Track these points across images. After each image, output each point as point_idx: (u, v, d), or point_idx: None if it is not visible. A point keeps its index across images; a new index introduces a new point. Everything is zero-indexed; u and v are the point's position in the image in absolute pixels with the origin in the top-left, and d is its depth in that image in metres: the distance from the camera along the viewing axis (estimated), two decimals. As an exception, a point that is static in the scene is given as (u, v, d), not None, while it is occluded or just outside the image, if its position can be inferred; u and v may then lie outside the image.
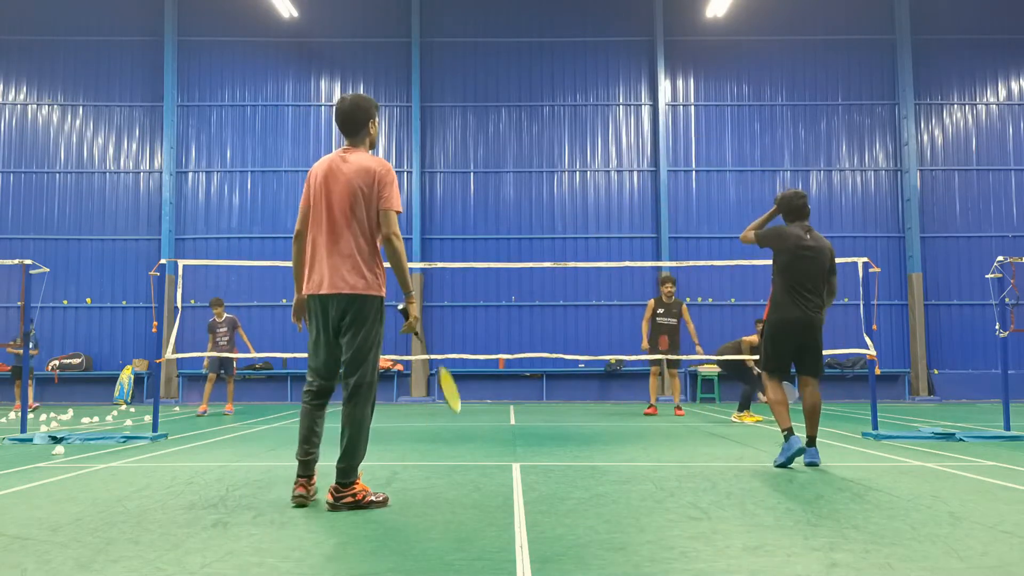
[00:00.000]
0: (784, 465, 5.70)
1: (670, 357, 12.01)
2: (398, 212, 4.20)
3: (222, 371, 12.91)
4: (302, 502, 4.13)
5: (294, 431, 9.36)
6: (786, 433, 5.80)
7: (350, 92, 4.33)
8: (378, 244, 4.24)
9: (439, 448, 7.20)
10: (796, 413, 6.54)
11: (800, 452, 5.69)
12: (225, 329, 12.85)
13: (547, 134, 18.17)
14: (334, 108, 4.36)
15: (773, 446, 7.33)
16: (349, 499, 4.09)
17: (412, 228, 17.70)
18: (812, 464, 5.72)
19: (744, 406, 11.18)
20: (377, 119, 4.41)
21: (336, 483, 4.12)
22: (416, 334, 4.37)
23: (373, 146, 4.39)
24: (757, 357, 10.84)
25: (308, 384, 4.32)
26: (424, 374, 17.46)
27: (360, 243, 4.15)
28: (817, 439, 5.93)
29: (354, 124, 4.30)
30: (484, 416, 12.13)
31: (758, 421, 10.67)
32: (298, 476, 4.21)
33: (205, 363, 13.51)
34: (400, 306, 4.26)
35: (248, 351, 13.00)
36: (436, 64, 18.29)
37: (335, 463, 4.14)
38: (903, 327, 17.65)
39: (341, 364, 4.23)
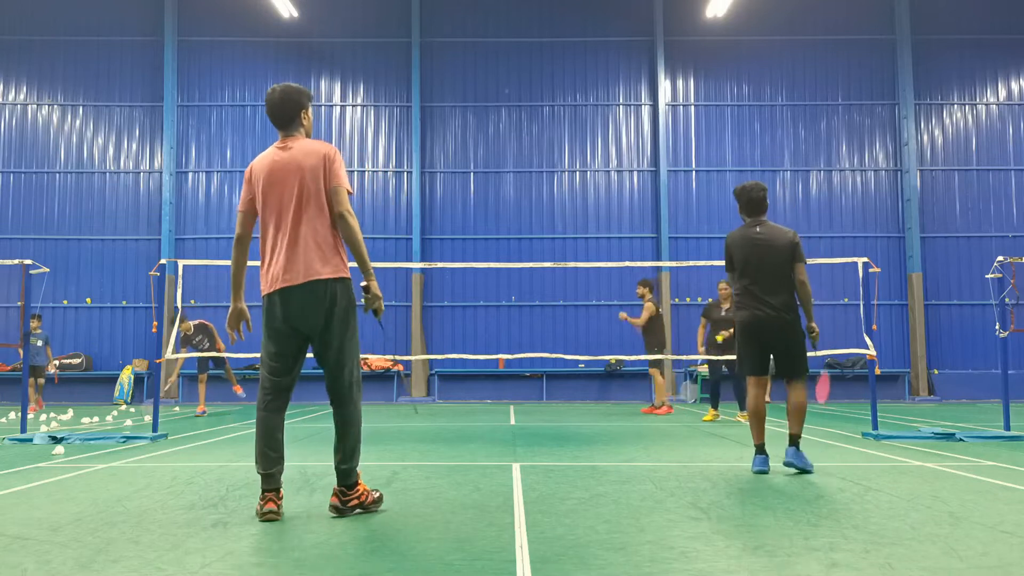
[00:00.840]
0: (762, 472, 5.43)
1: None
2: (349, 192, 4.08)
3: (211, 369, 12.85)
4: (273, 517, 3.83)
5: (294, 431, 9.32)
6: (756, 448, 5.55)
7: (279, 86, 4.00)
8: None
9: (439, 448, 7.20)
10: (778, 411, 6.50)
11: (761, 472, 5.39)
12: (201, 336, 12.67)
13: (547, 134, 18.17)
14: (265, 101, 4.25)
15: (774, 446, 7.33)
16: (355, 502, 3.99)
17: (412, 228, 17.71)
18: (791, 465, 5.39)
19: (744, 405, 11.18)
20: (310, 110, 4.26)
21: (340, 487, 3.99)
22: (376, 312, 4.14)
23: (308, 136, 4.23)
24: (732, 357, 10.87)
25: (265, 389, 4.04)
26: (424, 374, 17.44)
27: (321, 229, 3.98)
28: (802, 439, 5.60)
29: (285, 115, 4.17)
30: (484, 416, 12.13)
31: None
32: (265, 491, 3.89)
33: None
34: (362, 283, 4.09)
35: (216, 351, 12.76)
36: (436, 64, 18.30)
37: (334, 467, 4.02)
38: (903, 327, 17.65)
39: (296, 364, 4.08)
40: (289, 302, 3.95)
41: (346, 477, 3.99)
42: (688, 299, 17.62)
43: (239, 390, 12.96)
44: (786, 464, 5.42)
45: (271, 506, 3.84)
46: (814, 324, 5.67)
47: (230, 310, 4.19)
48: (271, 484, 3.90)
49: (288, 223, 3.98)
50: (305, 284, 3.92)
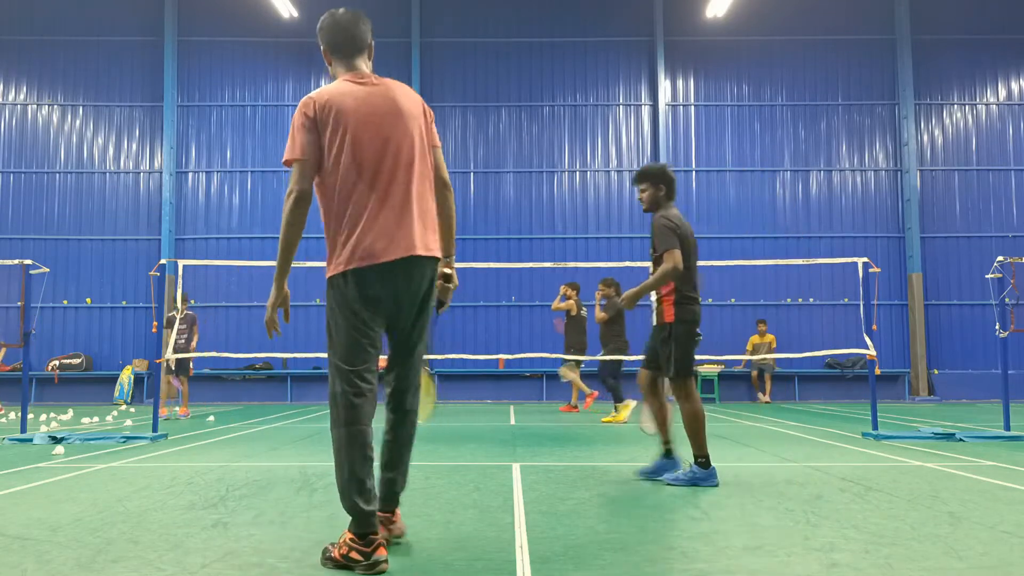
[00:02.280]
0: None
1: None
2: None
3: (177, 370, 12.00)
4: (385, 568, 2.94)
5: (294, 431, 9.29)
6: (704, 460, 4.92)
7: (340, 9, 3.41)
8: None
9: (439, 448, 7.20)
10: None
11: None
12: (185, 326, 11.84)
13: (547, 134, 18.17)
14: (324, 25, 3.40)
15: (774, 445, 7.34)
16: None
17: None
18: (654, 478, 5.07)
19: (619, 399, 10.94)
20: None
21: (386, 511, 3.28)
22: (442, 304, 3.53)
23: None
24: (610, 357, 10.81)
25: (357, 391, 3.06)
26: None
27: (429, 193, 3.23)
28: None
29: (360, 39, 3.32)
30: (484, 416, 12.13)
31: (622, 421, 10.41)
32: (369, 534, 2.95)
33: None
34: (447, 269, 3.43)
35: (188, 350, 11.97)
36: (436, 64, 18.29)
37: (392, 488, 3.33)
38: (903, 327, 17.65)
39: (396, 354, 3.28)
40: (390, 281, 3.08)
41: (396, 501, 3.34)
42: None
43: (184, 413, 12.05)
44: (650, 477, 5.10)
45: (383, 552, 2.93)
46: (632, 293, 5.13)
47: (273, 295, 3.23)
48: (388, 506, 3.19)
49: (397, 180, 3.11)
50: (418, 259, 3.11)
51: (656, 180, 5.22)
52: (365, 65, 3.29)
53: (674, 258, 4.93)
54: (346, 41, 3.30)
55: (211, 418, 11.52)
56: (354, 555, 2.91)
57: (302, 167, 3.09)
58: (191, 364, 12.45)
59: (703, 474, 4.87)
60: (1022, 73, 18.25)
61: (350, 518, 2.98)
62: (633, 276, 17.47)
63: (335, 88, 3.17)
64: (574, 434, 8.73)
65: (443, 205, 3.34)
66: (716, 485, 4.84)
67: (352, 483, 2.97)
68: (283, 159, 3.14)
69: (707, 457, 4.92)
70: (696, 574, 2.84)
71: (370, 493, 2.98)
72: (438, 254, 3.21)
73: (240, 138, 18.13)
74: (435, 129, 3.33)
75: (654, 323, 5.22)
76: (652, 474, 5.14)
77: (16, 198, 17.96)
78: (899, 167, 17.99)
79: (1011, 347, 8.75)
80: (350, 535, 2.96)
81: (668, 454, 5.17)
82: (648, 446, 7.46)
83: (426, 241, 3.14)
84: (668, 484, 4.91)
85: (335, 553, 2.98)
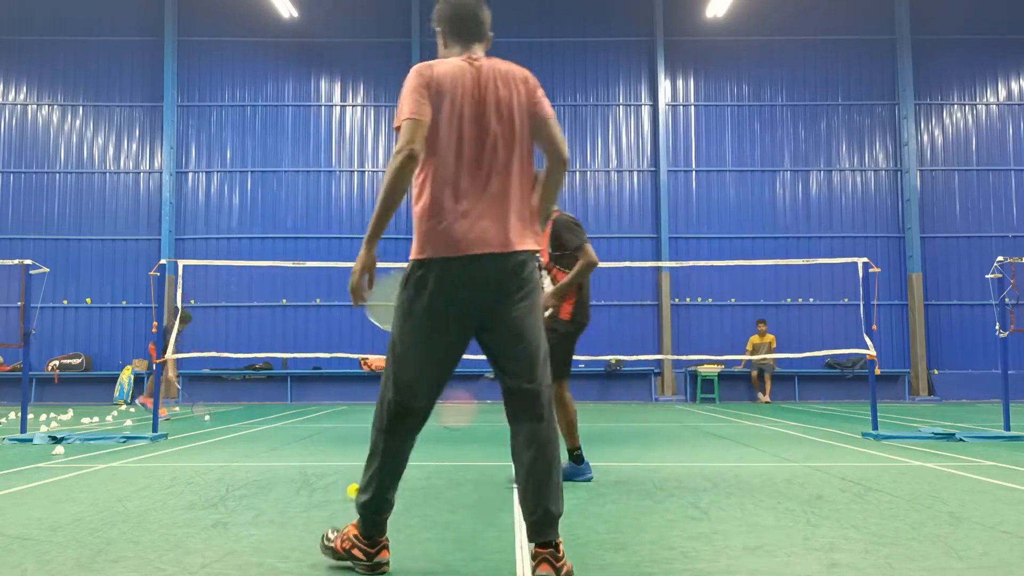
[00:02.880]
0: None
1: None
2: None
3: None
4: (387, 569, 2.91)
5: (294, 431, 9.27)
6: (579, 453, 5.08)
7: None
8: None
9: (439, 448, 7.20)
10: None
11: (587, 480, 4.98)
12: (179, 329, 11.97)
13: (547, 134, 18.15)
14: (448, 5, 3.12)
15: (774, 445, 7.34)
16: (568, 567, 2.75)
17: (412, 228, 17.66)
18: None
19: None
20: None
21: (549, 542, 2.74)
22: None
23: None
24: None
25: (402, 405, 2.93)
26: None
27: (526, 181, 2.98)
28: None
29: (482, 25, 3.11)
30: (484, 416, 12.12)
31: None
32: (375, 538, 2.90)
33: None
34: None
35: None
36: (436, 64, 18.27)
37: (540, 516, 2.76)
38: (903, 327, 17.66)
39: (449, 373, 3.04)
40: (466, 279, 2.84)
41: (555, 526, 2.78)
42: (688, 299, 17.62)
43: (144, 402, 11.96)
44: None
45: (386, 555, 2.91)
46: None
47: (361, 258, 2.93)
48: (382, 531, 2.92)
49: (488, 165, 2.89)
50: (504, 256, 2.85)
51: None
52: (480, 51, 3.10)
53: (590, 252, 4.97)
54: (469, 25, 3.09)
55: (207, 417, 11.50)
56: (356, 552, 2.86)
57: (416, 126, 2.82)
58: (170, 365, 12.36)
59: (575, 469, 4.98)
60: (1022, 73, 18.25)
61: (359, 516, 2.92)
62: (633, 276, 17.51)
63: (449, 63, 2.98)
64: (574, 434, 8.71)
65: (558, 182, 3.11)
66: (590, 479, 4.99)
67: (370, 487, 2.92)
68: (394, 124, 2.93)
69: (580, 450, 5.04)
70: (696, 574, 2.84)
71: (388, 503, 2.91)
72: (531, 247, 2.92)
73: (240, 138, 18.13)
74: (545, 101, 3.09)
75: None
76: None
77: (16, 198, 17.97)
78: (899, 167, 18.00)
79: (1011, 347, 8.74)
80: (355, 532, 2.90)
81: (579, 459, 5.11)
82: (648, 446, 7.46)
83: (519, 234, 2.89)
84: None
85: (336, 544, 2.92)
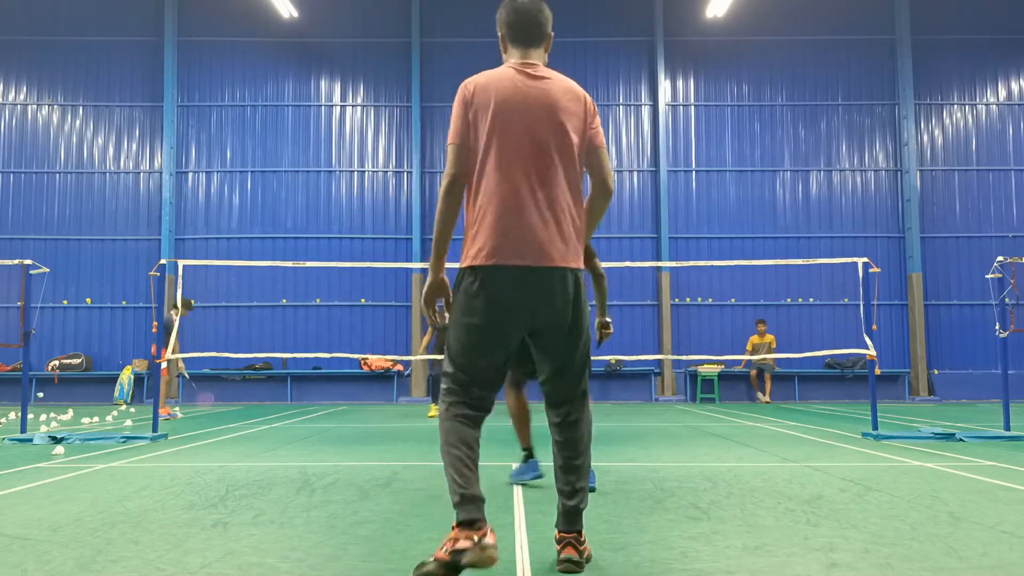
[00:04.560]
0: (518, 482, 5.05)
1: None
2: None
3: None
4: (493, 556, 2.70)
5: (294, 431, 9.27)
6: (527, 452, 5.13)
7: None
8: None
9: (439, 448, 7.19)
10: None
11: (538, 478, 5.04)
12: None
13: (547, 134, 18.15)
14: (507, 9, 3.10)
15: (774, 445, 7.34)
16: (588, 551, 3.00)
17: (412, 228, 17.71)
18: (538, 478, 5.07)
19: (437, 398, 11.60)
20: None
21: (571, 532, 2.94)
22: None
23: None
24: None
25: (463, 394, 2.96)
26: (424, 374, 17.42)
27: (572, 197, 2.98)
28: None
29: (540, 28, 3.10)
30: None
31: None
32: (463, 524, 2.73)
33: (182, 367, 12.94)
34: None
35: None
36: (436, 64, 18.30)
37: (571, 508, 2.97)
38: (903, 327, 17.66)
39: (507, 370, 3.10)
40: (520, 286, 2.88)
41: (579, 518, 2.98)
42: (688, 299, 17.63)
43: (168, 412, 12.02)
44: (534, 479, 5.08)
45: (492, 538, 2.72)
46: None
47: (429, 282, 3.01)
48: (477, 514, 2.76)
49: (534, 178, 2.91)
50: (550, 270, 2.88)
51: None
52: (539, 57, 3.10)
53: (598, 266, 5.13)
54: (524, 29, 3.08)
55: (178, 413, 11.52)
56: (462, 543, 2.66)
57: (456, 151, 2.93)
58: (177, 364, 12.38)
59: (523, 467, 5.07)
60: (1022, 73, 18.25)
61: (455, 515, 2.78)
62: (633, 276, 17.51)
63: (496, 72, 3.00)
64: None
65: (601, 209, 3.14)
66: (539, 477, 5.00)
67: (447, 476, 2.88)
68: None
69: (530, 449, 5.10)
70: (696, 574, 2.84)
71: (470, 484, 2.82)
72: (574, 265, 2.92)
73: (240, 138, 18.13)
74: (600, 129, 3.11)
75: None
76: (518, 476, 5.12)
77: (16, 198, 17.97)
78: (899, 167, 18.00)
79: (1011, 347, 8.76)
80: (455, 527, 2.74)
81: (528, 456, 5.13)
82: (648, 446, 7.46)
83: (561, 251, 2.90)
84: (510, 483, 5.01)
85: (438, 554, 2.68)
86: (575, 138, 2.98)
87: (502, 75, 2.97)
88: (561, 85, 3.04)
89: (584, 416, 3.07)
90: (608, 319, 5.33)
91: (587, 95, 3.10)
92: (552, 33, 3.17)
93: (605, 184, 3.08)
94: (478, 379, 2.94)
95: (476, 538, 2.66)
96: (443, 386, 3.02)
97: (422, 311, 3.06)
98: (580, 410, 3.06)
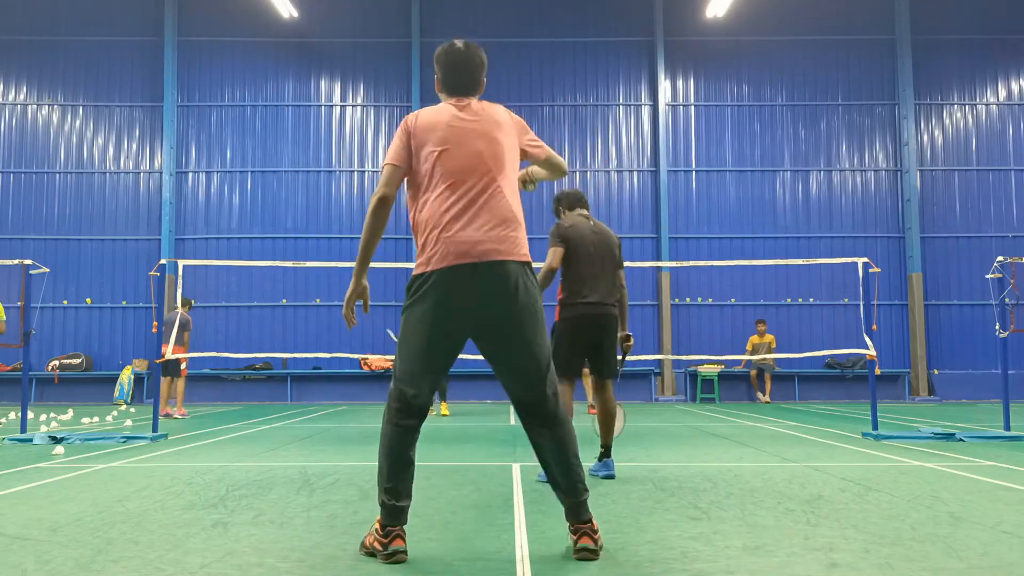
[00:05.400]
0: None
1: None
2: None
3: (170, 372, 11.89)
4: (403, 558, 3.03)
5: (294, 431, 9.29)
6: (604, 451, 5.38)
7: (461, 42, 3.31)
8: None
9: (439, 448, 7.20)
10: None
11: (610, 477, 5.21)
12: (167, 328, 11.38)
13: (547, 134, 18.17)
14: (444, 53, 3.41)
15: (774, 445, 7.34)
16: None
17: (409, 228, 17.69)
18: (609, 477, 5.25)
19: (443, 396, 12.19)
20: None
21: (583, 522, 3.14)
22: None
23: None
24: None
25: (401, 397, 3.12)
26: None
27: (515, 199, 3.27)
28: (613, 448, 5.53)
29: (474, 78, 3.39)
30: (484, 416, 12.13)
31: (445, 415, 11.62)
32: (389, 526, 3.05)
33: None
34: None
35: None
36: (436, 64, 18.27)
37: (575, 501, 3.17)
38: (903, 327, 17.66)
39: (445, 370, 3.23)
40: (467, 284, 3.10)
41: (585, 509, 3.18)
42: (688, 299, 17.63)
43: (182, 413, 12.00)
44: (604, 477, 5.27)
45: (400, 543, 3.04)
46: (628, 332, 5.54)
47: (351, 288, 3.32)
48: (399, 519, 3.08)
49: (488, 187, 3.19)
50: (504, 264, 3.12)
51: (555, 206, 5.68)
52: (474, 96, 3.40)
53: (548, 256, 5.25)
54: (457, 81, 3.39)
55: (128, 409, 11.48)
56: (376, 545, 3.07)
57: (391, 172, 3.27)
58: (181, 366, 12.11)
59: (597, 465, 5.34)
60: (1022, 73, 18.25)
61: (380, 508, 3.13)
62: (633, 276, 17.51)
63: (436, 108, 3.34)
64: (574, 434, 8.71)
65: (557, 168, 3.58)
66: (611, 477, 5.24)
67: (379, 478, 3.15)
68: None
69: (608, 448, 5.41)
70: (696, 574, 2.84)
71: (394, 491, 3.09)
72: (519, 257, 3.17)
73: (240, 138, 18.13)
74: (536, 141, 3.45)
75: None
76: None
77: (16, 198, 17.97)
78: (899, 167, 18.00)
79: (1011, 347, 8.75)
80: (377, 524, 3.12)
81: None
82: (648, 446, 7.46)
83: (508, 244, 3.16)
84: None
85: (367, 541, 3.17)
86: (510, 153, 3.29)
87: (441, 110, 3.31)
88: (491, 112, 3.33)
89: (560, 411, 3.26)
90: (629, 333, 5.56)
91: (512, 113, 3.42)
92: (485, 80, 3.43)
93: (562, 172, 3.57)
94: (427, 379, 3.14)
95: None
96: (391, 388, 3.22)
97: (343, 312, 3.35)
98: (556, 406, 3.22)
